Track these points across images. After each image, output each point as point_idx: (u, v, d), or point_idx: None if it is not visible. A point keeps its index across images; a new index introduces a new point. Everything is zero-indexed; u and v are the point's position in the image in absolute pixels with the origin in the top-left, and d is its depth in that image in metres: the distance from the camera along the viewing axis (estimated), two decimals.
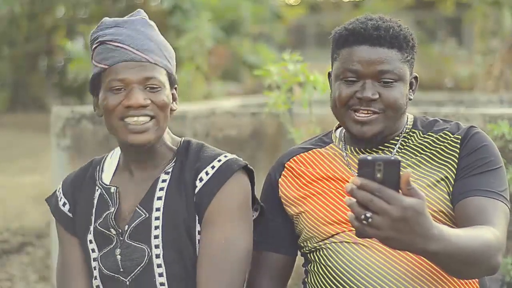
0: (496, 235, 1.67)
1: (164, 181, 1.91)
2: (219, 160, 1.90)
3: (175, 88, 1.96)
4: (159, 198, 1.89)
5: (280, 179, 2.03)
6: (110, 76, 1.86)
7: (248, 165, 1.93)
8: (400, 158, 1.39)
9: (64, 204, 2.01)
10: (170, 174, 1.92)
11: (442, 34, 17.86)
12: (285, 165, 2.04)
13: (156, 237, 1.87)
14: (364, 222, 1.38)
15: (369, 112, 1.88)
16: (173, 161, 1.94)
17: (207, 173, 1.88)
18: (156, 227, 1.87)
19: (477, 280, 1.89)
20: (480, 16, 10.18)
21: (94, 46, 1.92)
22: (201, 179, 1.88)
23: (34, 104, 15.95)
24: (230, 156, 1.92)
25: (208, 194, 1.87)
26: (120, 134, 1.88)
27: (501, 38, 8.93)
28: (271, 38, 13.89)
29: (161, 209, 1.88)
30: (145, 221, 1.88)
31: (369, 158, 1.38)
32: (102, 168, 2.01)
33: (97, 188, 1.97)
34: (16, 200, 6.74)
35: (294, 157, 2.04)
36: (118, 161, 2.01)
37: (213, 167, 1.89)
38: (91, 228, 1.94)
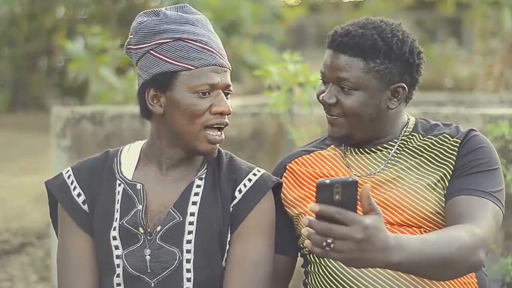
0: (475, 233, 1.65)
1: (198, 186, 1.90)
2: (255, 174, 1.93)
3: None
4: (194, 203, 1.88)
5: (281, 181, 2.03)
6: (199, 79, 1.82)
7: (279, 181, 1.97)
8: (357, 179, 1.41)
9: (78, 195, 1.91)
10: (203, 180, 1.91)
11: (442, 34, 17.87)
12: (287, 166, 2.06)
13: (188, 241, 1.86)
14: (327, 248, 1.39)
15: (332, 115, 1.93)
16: (205, 167, 1.93)
17: (245, 185, 1.91)
18: (190, 232, 1.86)
19: (475, 279, 1.89)
20: (480, 16, 10.20)
21: (164, 41, 1.83)
22: (240, 191, 1.90)
23: (34, 104, 15.97)
24: (261, 170, 1.96)
25: (245, 207, 1.89)
26: (195, 142, 1.84)
27: (501, 38, 8.95)
28: (271, 38, 13.88)
29: (196, 215, 1.87)
30: (178, 224, 1.86)
31: (327, 181, 1.39)
32: (120, 161, 1.95)
33: (118, 182, 1.91)
34: (16, 200, 6.75)
35: (296, 159, 2.06)
36: (139, 156, 1.96)
37: (249, 180, 1.92)
38: (116, 225, 1.88)
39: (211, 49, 1.85)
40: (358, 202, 1.42)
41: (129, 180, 1.91)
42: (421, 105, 4.96)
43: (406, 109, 2.01)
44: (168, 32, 1.84)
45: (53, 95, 16.21)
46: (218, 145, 1.88)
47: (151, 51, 1.84)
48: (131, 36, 1.89)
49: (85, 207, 1.91)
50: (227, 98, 1.87)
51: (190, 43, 1.83)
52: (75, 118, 3.90)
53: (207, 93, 1.83)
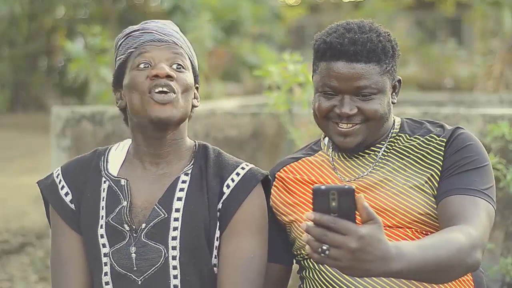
0: (470, 233, 1.65)
1: (184, 182, 1.89)
2: (243, 168, 1.92)
3: (197, 88, 1.98)
4: (179, 199, 1.87)
5: (271, 190, 2.02)
6: (137, 56, 1.88)
7: (268, 175, 1.96)
8: (354, 186, 1.39)
9: (66, 194, 1.92)
10: (189, 176, 1.90)
11: (442, 34, 17.87)
12: (276, 175, 2.04)
13: (174, 238, 1.84)
14: (323, 254, 1.38)
15: (349, 124, 1.88)
16: (191, 163, 1.92)
17: (233, 180, 1.89)
18: (175, 228, 1.84)
19: (471, 276, 1.88)
20: (480, 16, 10.20)
21: (119, 43, 1.96)
22: (228, 186, 1.89)
23: (34, 104, 15.98)
24: (250, 164, 1.94)
25: (235, 202, 1.87)
26: (146, 110, 1.83)
27: (501, 38, 8.95)
28: (271, 38, 13.89)
29: (181, 211, 1.85)
30: (163, 221, 1.85)
31: (323, 187, 1.38)
32: (107, 159, 1.96)
33: (103, 179, 1.91)
34: (16, 200, 6.75)
35: (284, 167, 2.05)
36: (126, 154, 1.96)
37: (237, 174, 1.90)
38: (102, 222, 1.87)
39: (150, 31, 1.91)
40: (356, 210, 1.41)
41: (114, 176, 1.91)
42: (421, 105, 4.96)
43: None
44: (122, 38, 1.94)
45: (53, 95, 16.21)
46: (173, 110, 1.84)
47: (116, 57, 1.95)
48: None
49: (73, 205, 1.92)
50: (180, 71, 1.87)
51: (134, 34, 1.92)
52: (75, 118, 3.90)
53: (148, 65, 1.86)
